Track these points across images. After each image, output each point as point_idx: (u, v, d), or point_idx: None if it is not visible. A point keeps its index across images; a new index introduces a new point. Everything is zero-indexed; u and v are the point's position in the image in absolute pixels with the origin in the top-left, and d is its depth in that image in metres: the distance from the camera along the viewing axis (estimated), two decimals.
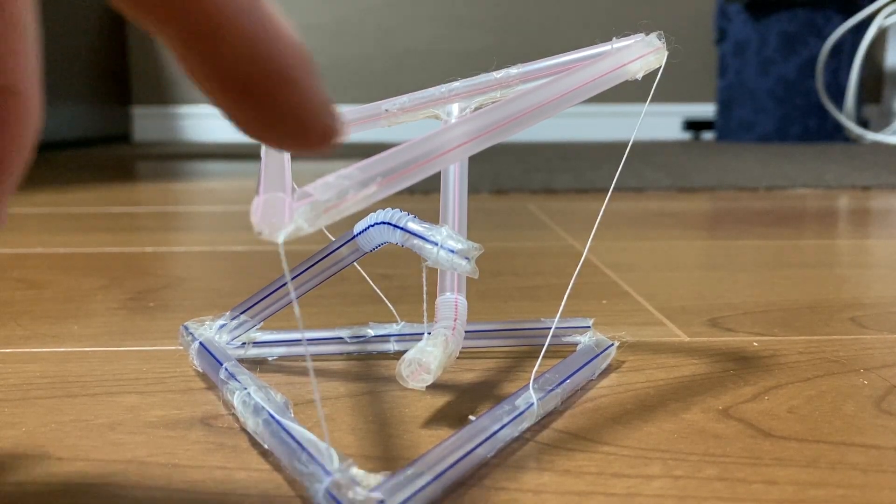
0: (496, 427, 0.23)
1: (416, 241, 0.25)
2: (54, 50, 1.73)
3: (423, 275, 0.26)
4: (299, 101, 0.16)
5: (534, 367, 0.28)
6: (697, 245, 0.63)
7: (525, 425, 0.25)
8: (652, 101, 2.38)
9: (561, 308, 0.28)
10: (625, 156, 0.30)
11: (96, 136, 2.03)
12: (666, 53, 0.26)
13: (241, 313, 0.30)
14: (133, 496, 0.21)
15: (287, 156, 0.25)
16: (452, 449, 0.21)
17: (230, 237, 0.65)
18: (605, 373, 0.31)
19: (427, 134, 0.20)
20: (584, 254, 0.29)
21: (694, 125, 2.32)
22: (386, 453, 0.24)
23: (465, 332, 0.32)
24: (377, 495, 0.19)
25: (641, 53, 0.26)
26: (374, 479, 0.19)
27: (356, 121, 0.31)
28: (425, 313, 0.29)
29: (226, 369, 0.27)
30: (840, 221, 0.78)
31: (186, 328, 0.31)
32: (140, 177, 1.25)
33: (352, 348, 0.33)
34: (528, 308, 0.41)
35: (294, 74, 0.16)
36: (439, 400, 0.28)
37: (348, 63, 2.31)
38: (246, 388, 0.25)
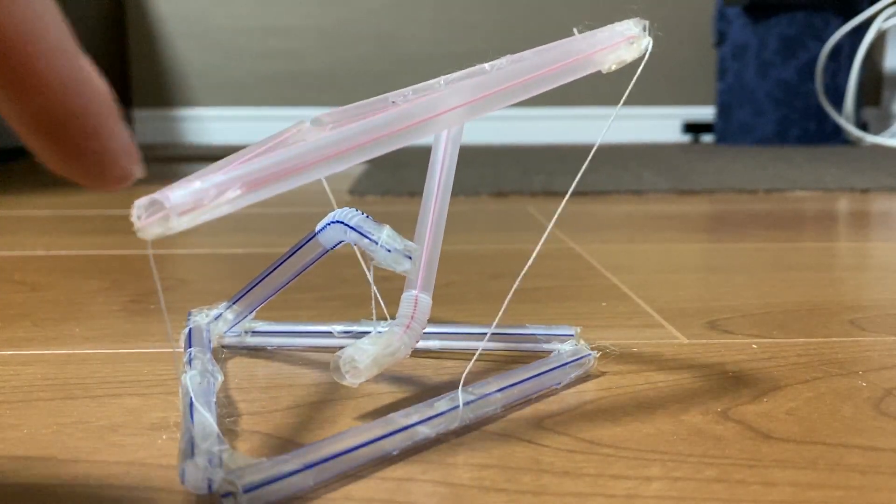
0: (403, 424, 0.23)
1: (363, 240, 0.26)
2: None
3: (370, 274, 0.26)
4: (101, 146, 0.17)
5: (512, 371, 0.28)
6: (697, 247, 0.63)
7: (446, 426, 0.24)
8: (651, 103, 2.38)
9: (501, 312, 0.28)
10: (589, 157, 0.29)
11: None
12: (647, 42, 0.25)
13: (234, 303, 0.32)
14: (134, 498, 0.21)
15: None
16: (336, 440, 0.22)
17: (231, 239, 0.65)
18: (600, 376, 0.31)
19: (304, 142, 0.20)
20: (549, 227, 0.29)
21: (693, 128, 2.32)
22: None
23: (448, 333, 0.32)
24: (232, 477, 0.19)
25: (610, 43, 0.25)
26: (244, 460, 0.20)
27: (364, 113, 0.31)
28: (374, 312, 0.30)
29: (189, 354, 0.28)
30: (839, 224, 0.78)
31: (190, 314, 0.33)
32: (141, 179, 1.25)
33: (341, 342, 0.33)
34: (528, 310, 0.42)
35: (96, 121, 0.17)
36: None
37: (348, 66, 2.32)
38: (187, 372, 0.26)
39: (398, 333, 0.25)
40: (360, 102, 0.30)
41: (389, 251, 0.25)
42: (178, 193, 0.19)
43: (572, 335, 0.32)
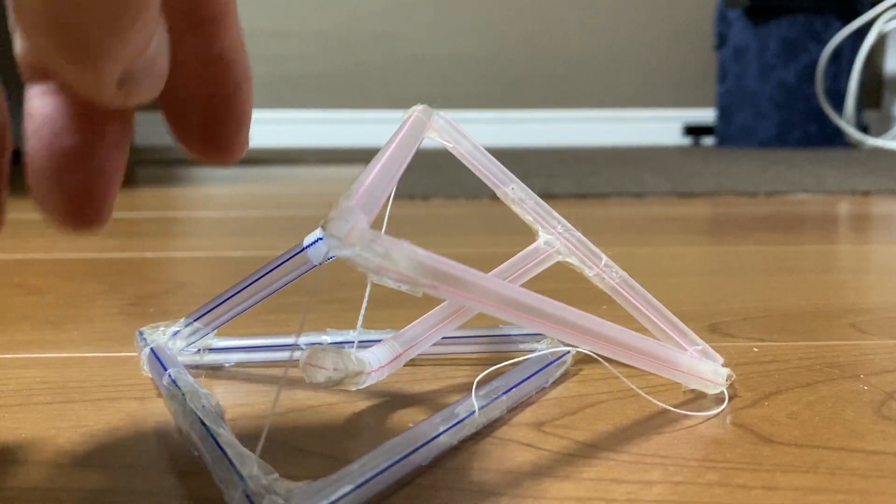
0: (432, 434, 0.23)
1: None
2: None
3: (368, 287, 0.26)
4: (238, 124, 0.18)
5: (509, 373, 0.28)
6: (697, 250, 0.63)
7: (466, 433, 0.24)
8: (652, 106, 2.38)
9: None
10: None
11: None
12: (723, 388, 0.28)
13: (195, 320, 0.30)
14: (133, 502, 0.21)
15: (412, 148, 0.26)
16: (380, 456, 0.21)
17: (230, 243, 0.65)
18: (602, 378, 0.30)
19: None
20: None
21: (694, 130, 2.33)
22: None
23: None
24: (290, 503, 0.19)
25: (706, 378, 0.27)
26: (294, 486, 0.19)
27: (484, 174, 0.33)
28: (360, 324, 0.29)
29: (169, 375, 0.27)
30: (840, 226, 0.78)
31: (141, 333, 0.31)
32: (140, 182, 1.25)
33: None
34: None
35: (241, 102, 0.18)
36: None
37: (348, 69, 2.32)
38: (183, 395, 0.25)
39: (383, 362, 0.25)
40: (485, 156, 0.32)
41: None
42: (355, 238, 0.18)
43: (545, 335, 0.32)
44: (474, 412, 0.25)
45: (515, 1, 2.32)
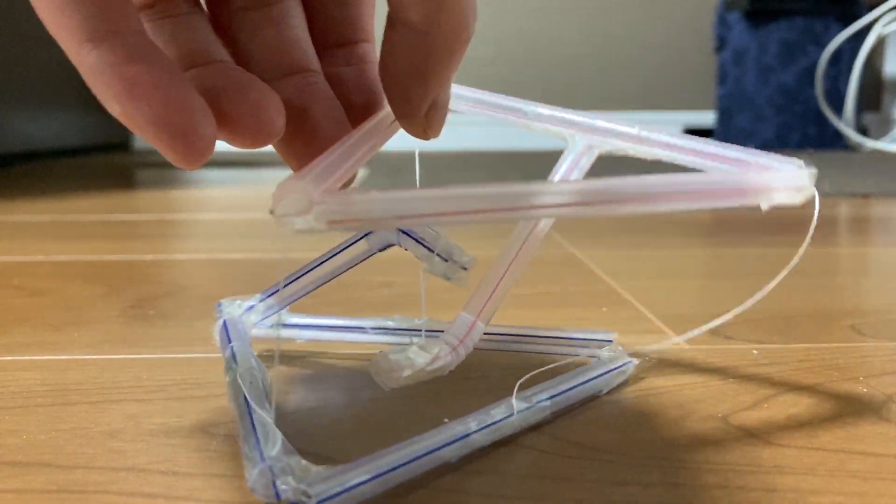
0: (463, 432, 0.23)
1: (418, 247, 0.25)
2: (55, 57, 1.74)
3: (422, 280, 0.26)
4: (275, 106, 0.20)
5: (560, 378, 0.27)
6: (697, 253, 0.63)
7: (500, 434, 0.24)
8: (652, 108, 2.38)
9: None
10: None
11: (96, 143, 2.03)
12: (811, 195, 0.23)
13: (269, 296, 0.31)
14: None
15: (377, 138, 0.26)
16: (402, 449, 0.21)
17: (230, 245, 0.65)
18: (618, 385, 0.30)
19: (504, 186, 0.20)
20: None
21: (694, 133, 2.33)
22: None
23: (487, 335, 0.32)
24: (305, 487, 0.19)
25: (787, 185, 0.23)
26: (314, 469, 0.19)
27: (498, 108, 0.29)
28: (424, 312, 0.29)
29: (231, 348, 0.27)
30: (840, 229, 0.78)
31: (219, 305, 0.32)
32: (140, 184, 1.25)
33: (373, 338, 0.33)
34: (529, 315, 0.41)
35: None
36: (429, 403, 0.28)
37: None
38: (236, 370, 0.25)
39: (445, 351, 0.25)
40: (496, 96, 0.29)
41: (446, 261, 0.25)
42: (338, 203, 0.18)
43: (610, 341, 0.31)
44: (512, 414, 0.24)
45: (515, 3, 2.33)
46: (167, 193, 1.09)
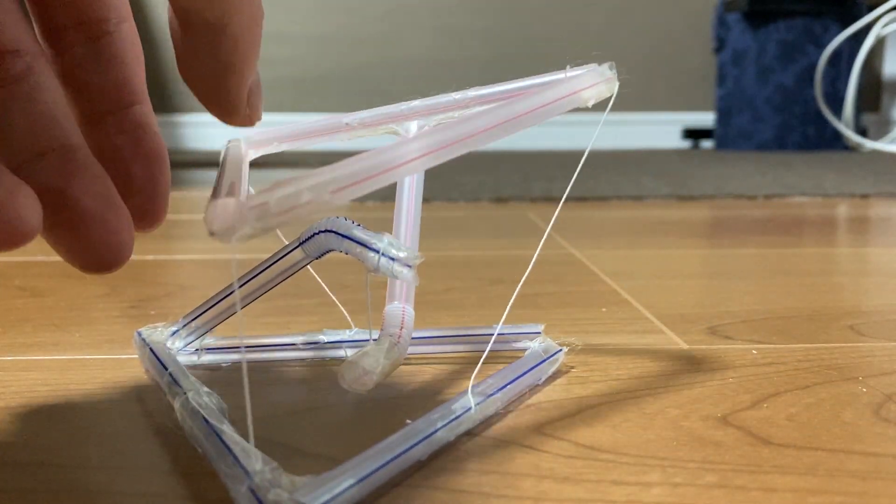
0: (430, 430, 0.23)
1: (359, 249, 0.26)
2: None
3: (367, 283, 0.26)
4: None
5: (502, 371, 0.28)
6: (696, 253, 0.63)
7: (462, 429, 0.25)
8: (651, 109, 2.38)
9: (506, 312, 0.28)
10: (580, 164, 0.31)
11: None
12: (617, 84, 0.28)
13: (192, 320, 0.31)
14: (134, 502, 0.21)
15: (246, 164, 0.27)
16: (380, 451, 0.22)
17: (231, 246, 0.65)
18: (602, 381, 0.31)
19: (383, 146, 0.21)
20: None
21: (693, 133, 2.33)
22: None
23: (413, 337, 0.32)
24: (297, 497, 0.19)
25: (593, 83, 0.28)
26: (298, 480, 0.20)
27: (317, 132, 0.31)
28: (370, 321, 0.29)
29: (169, 374, 0.27)
30: (839, 229, 0.78)
31: (139, 334, 0.32)
32: None
33: (305, 354, 0.33)
34: (528, 316, 0.42)
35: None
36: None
37: (348, 72, 2.32)
38: (185, 393, 0.25)
39: (391, 345, 0.26)
40: (315, 118, 0.31)
41: (393, 259, 0.25)
42: (274, 196, 0.19)
43: (539, 333, 0.33)
44: (470, 408, 0.25)
45: (514, 4, 2.33)
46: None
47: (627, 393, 0.29)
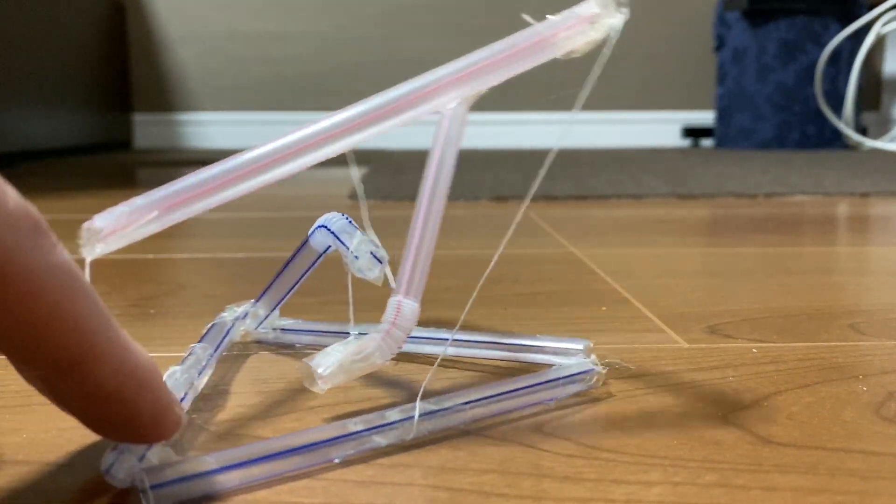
0: (352, 430, 0.23)
1: (340, 246, 0.26)
2: (56, 57, 1.74)
3: (349, 279, 0.26)
4: (156, 407, 0.20)
5: (492, 384, 0.27)
6: (697, 252, 0.63)
7: (399, 437, 0.24)
8: (651, 108, 2.39)
9: (465, 311, 0.28)
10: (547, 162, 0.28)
11: (97, 142, 2.03)
12: (613, 21, 0.24)
13: (257, 301, 0.33)
14: (134, 502, 0.21)
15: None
16: (267, 446, 0.22)
17: (231, 244, 0.65)
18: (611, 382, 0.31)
19: (213, 164, 0.21)
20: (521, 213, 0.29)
21: (693, 132, 2.33)
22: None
23: (446, 339, 0.32)
24: (143, 470, 0.20)
25: (565, 25, 0.24)
26: (168, 458, 0.21)
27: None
28: (352, 318, 0.29)
29: (190, 349, 0.29)
30: (839, 228, 0.78)
31: (225, 310, 0.34)
32: (141, 183, 1.25)
33: None
34: (528, 314, 0.42)
35: (150, 388, 0.20)
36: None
37: (347, 71, 2.32)
38: (173, 368, 0.27)
39: (375, 339, 0.25)
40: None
41: (357, 257, 0.25)
42: (102, 217, 0.20)
43: (581, 349, 0.30)
44: (412, 417, 0.24)
45: (514, 4, 2.33)
46: None
47: (627, 392, 0.29)
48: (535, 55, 0.24)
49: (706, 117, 2.35)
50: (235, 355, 0.34)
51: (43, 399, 0.29)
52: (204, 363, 0.28)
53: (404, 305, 0.25)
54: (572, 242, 0.65)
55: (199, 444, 0.25)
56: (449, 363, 0.33)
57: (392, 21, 2.33)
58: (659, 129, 2.38)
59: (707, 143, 2.33)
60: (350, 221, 0.28)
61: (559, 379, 0.28)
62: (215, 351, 0.30)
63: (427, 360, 0.33)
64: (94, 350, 0.18)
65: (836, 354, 0.34)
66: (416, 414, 0.24)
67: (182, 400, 0.25)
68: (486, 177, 1.19)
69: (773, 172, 1.27)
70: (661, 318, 0.41)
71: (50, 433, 0.25)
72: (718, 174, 1.26)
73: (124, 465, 0.20)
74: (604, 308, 0.43)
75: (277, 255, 0.59)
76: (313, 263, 0.30)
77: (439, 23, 2.33)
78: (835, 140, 2.03)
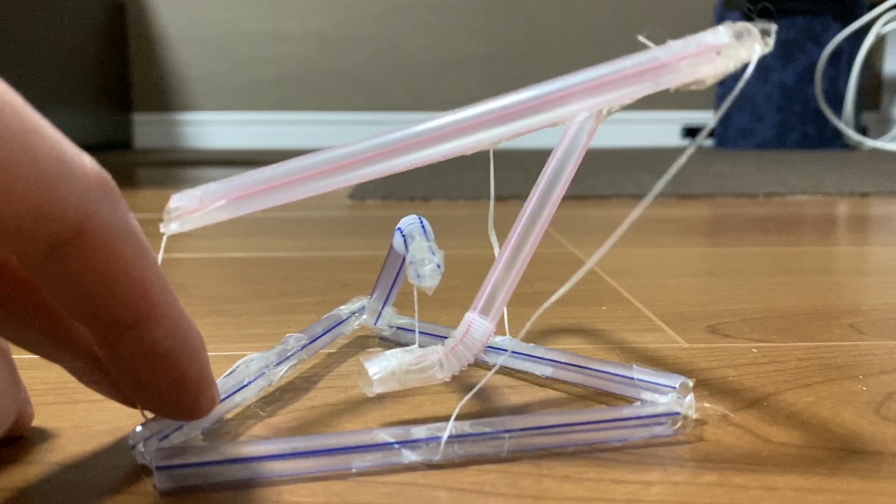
0: (371, 441, 0.22)
1: (404, 251, 0.26)
2: (56, 57, 1.74)
3: (415, 288, 0.25)
4: (201, 377, 0.21)
5: (593, 409, 0.25)
6: (696, 252, 0.63)
7: (426, 456, 0.23)
8: (651, 107, 2.38)
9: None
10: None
11: (97, 142, 2.03)
12: (749, 54, 0.22)
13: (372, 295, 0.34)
14: (136, 503, 0.21)
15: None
16: (275, 444, 0.22)
17: (231, 244, 0.65)
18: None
19: (294, 159, 0.22)
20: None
21: (693, 132, 2.33)
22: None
23: (534, 356, 0.30)
24: (156, 449, 0.21)
25: (687, 52, 0.22)
26: (196, 444, 0.21)
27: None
28: (416, 326, 0.30)
29: (285, 340, 0.30)
30: (839, 228, 0.78)
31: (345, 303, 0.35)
32: (141, 183, 1.25)
33: None
34: (528, 314, 0.41)
35: (198, 357, 0.21)
36: (437, 410, 0.28)
37: (348, 70, 2.32)
38: (249, 356, 0.28)
39: (437, 353, 0.24)
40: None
41: (412, 263, 0.25)
42: (177, 198, 0.21)
43: (675, 388, 0.26)
44: (440, 438, 0.23)
45: (514, 3, 2.33)
46: (168, 192, 1.08)
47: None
48: (656, 80, 0.21)
49: (706, 117, 2.35)
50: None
51: (44, 399, 0.29)
52: (290, 353, 0.29)
53: (475, 325, 0.24)
54: (572, 242, 0.65)
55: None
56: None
57: (393, 20, 2.33)
58: (658, 128, 2.38)
59: (707, 142, 2.34)
60: (423, 226, 0.27)
61: (630, 419, 0.24)
62: (311, 342, 0.30)
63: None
64: (156, 311, 0.19)
65: (836, 354, 0.34)
66: (445, 435, 0.23)
67: (244, 387, 0.26)
68: (486, 176, 1.19)
69: (772, 172, 1.27)
70: (661, 317, 0.41)
71: (50, 433, 0.26)
72: (718, 174, 1.26)
73: (149, 443, 0.21)
74: (603, 307, 0.43)
75: (277, 255, 0.59)
76: (402, 263, 0.31)
77: (441, 22, 2.33)
78: (835, 140, 2.03)
